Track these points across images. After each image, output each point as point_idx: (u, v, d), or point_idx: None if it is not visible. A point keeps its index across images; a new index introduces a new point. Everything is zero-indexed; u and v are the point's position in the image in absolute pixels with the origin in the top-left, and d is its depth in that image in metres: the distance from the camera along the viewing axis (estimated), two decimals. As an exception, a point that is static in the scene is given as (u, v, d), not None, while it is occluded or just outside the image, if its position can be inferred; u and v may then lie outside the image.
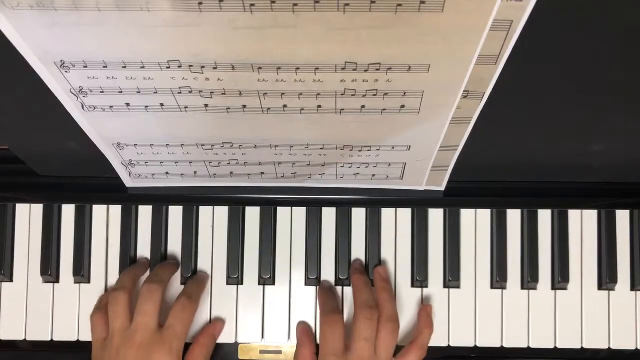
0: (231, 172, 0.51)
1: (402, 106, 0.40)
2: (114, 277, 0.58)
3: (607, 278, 0.57)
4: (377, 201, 0.55)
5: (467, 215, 0.58)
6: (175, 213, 0.58)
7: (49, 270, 0.57)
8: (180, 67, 0.37)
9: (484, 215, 0.58)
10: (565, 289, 0.57)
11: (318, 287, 0.57)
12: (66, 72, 0.38)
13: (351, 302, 0.56)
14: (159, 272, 0.54)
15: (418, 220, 0.58)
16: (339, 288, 0.57)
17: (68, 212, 0.58)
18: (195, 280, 0.56)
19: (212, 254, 0.58)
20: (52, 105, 0.40)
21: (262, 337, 0.57)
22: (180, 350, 0.51)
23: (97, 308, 0.54)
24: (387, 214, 0.58)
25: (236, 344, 0.57)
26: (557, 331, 0.57)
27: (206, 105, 0.41)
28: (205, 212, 0.58)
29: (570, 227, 0.58)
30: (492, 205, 0.57)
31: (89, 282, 0.58)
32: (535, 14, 0.32)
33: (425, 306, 0.56)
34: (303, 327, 0.56)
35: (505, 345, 0.57)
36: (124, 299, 0.51)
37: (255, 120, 0.42)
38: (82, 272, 0.57)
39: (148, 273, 0.57)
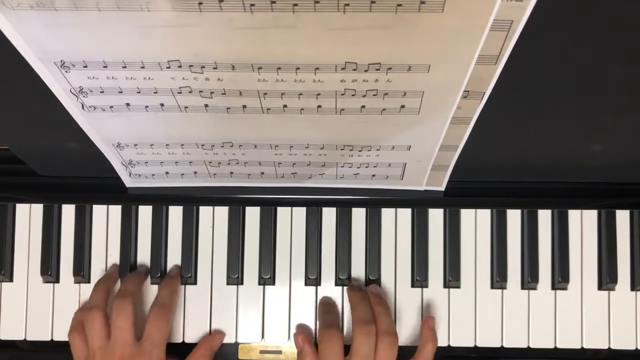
0: (231, 172, 0.51)
1: (402, 106, 0.40)
2: (114, 277, 0.58)
3: (607, 278, 0.57)
4: (377, 201, 0.55)
5: (467, 215, 0.58)
6: (175, 213, 0.58)
7: (49, 270, 0.57)
8: (180, 67, 0.37)
9: (484, 215, 0.58)
10: (565, 289, 0.57)
11: (318, 301, 0.57)
12: (66, 72, 0.38)
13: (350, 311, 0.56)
14: (126, 286, 0.54)
15: (418, 220, 0.58)
16: (339, 288, 0.57)
17: (68, 212, 0.58)
18: (165, 284, 0.56)
19: (212, 254, 0.58)
20: (52, 105, 0.40)
21: (262, 337, 0.57)
22: (162, 358, 0.51)
23: (73, 328, 0.54)
24: (387, 214, 0.58)
25: (236, 344, 0.57)
26: (557, 331, 0.57)
27: (206, 105, 0.41)
28: (205, 212, 0.58)
29: (570, 227, 0.58)
30: (492, 205, 0.57)
31: (89, 282, 0.58)
32: (535, 14, 0.32)
33: (427, 318, 0.54)
34: (304, 335, 0.54)
35: (505, 345, 0.57)
36: (98, 318, 0.52)
37: (255, 120, 0.42)
38: (82, 272, 0.57)
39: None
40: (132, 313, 0.52)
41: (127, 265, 0.58)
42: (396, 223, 0.58)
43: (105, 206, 0.58)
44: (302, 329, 0.57)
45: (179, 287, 0.57)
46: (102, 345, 0.51)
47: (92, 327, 0.52)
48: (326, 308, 0.56)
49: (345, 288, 0.57)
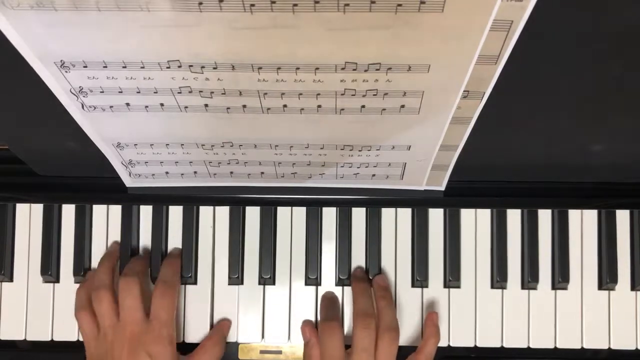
0: (231, 172, 0.51)
1: (402, 106, 0.40)
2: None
3: (607, 278, 0.57)
4: (377, 201, 0.55)
5: (467, 215, 0.58)
6: (175, 213, 0.58)
7: (49, 270, 0.57)
8: (180, 67, 0.37)
9: (484, 215, 0.58)
10: (565, 289, 0.57)
11: (321, 297, 0.57)
12: (66, 72, 0.38)
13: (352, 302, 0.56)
14: (132, 266, 0.54)
15: (418, 220, 0.58)
16: (339, 288, 0.57)
17: (68, 212, 0.58)
18: (166, 264, 0.56)
19: (212, 254, 0.58)
20: (52, 105, 0.40)
21: (262, 337, 0.57)
22: (171, 335, 0.52)
23: (80, 307, 0.54)
24: (387, 214, 0.58)
25: (236, 344, 0.57)
26: (557, 331, 0.57)
27: (206, 105, 0.41)
28: (205, 212, 0.58)
29: (570, 227, 0.58)
30: (492, 205, 0.57)
31: (89, 282, 0.58)
32: (535, 14, 0.32)
33: (430, 314, 0.54)
34: (311, 327, 0.55)
35: (505, 345, 0.57)
36: (107, 297, 0.52)
37: (255, 120, 0.42)
38: (82, 272, 0.57)
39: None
40: (140, 292, 0.52)
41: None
42: (396, 223, 0.58)
43: (105, 206, 0.58)
44: (309, 322, 0.57)
45: (180, 266, 0.57)
46: (112, 324, 0.52)
47: (101, 307, 0.52)
48: (328, 302, 0.56)
49: (345, 288, 0.57)
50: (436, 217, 0.58)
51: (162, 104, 0.41)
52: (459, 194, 0.54)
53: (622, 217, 0.58)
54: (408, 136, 0.45)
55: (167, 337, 0.51)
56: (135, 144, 0.47)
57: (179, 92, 0.40)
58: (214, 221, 0.58)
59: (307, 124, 0.43)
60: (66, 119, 0.42)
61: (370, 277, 0.57)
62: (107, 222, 0.58)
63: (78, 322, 0.54)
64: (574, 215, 0.58)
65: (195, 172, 0.51)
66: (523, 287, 0.57)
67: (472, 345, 0.57)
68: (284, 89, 0.39)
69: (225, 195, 0.54)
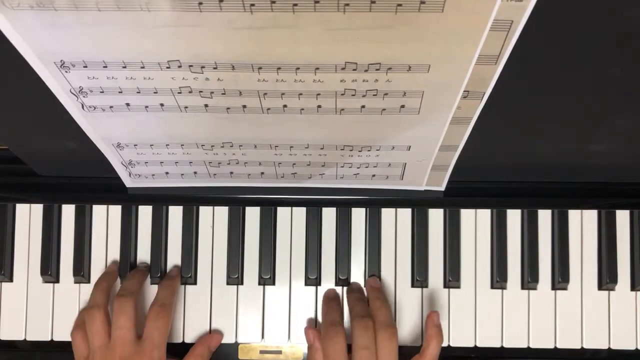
0: (231, 172, 0.51)
1: (402, 106, 0.40)
2: (114, 277, 0.58)
3: (607, 278, 0.57)
4: (377, 201, 0.55)
5: (467, 215, 0.58)
6: (175, 213, 0.58)
7: (49, 270, 0.57)
8: (180, 67, 0.37)
9: (484, 215, 0.58)
10: (565, 289, 0.57)
11: (323, 296, 0.57)
12: (66, 72, 0.38)
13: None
14: (127, 285, 0.54)
15: (418, 220, 0.58)
16: (339, 288, 0.57)
17: (68, 212, 0.58)
18: (164, 285, 0.55)
19: (212, 254, 0.58)
20: (52, 105, 0.40)
21: (262, 337, 0.57)
22: (162, 358, 0.51)
23: (76, 326, 0.54)
24: (387, 214, 0.58)
25: (236, 344, 0.57)
26: (557, 331, 0.57)
27: (206, 105, 0.41)
28: (205, 212, 0.58)
29: (570, 227, 0.58)
30: (492, 205, 0.57)
31: (89, 282, 0.58)
32: (535, 14, 0.32)
33: (431, 314, 0.51)
34: (315, 330, 0.54)
35: (505, 345, 0.56)
36: (99, 316, 0.52)
37: (255, 120, 0.42)
38: (82, 272, 0.57)
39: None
40: (134, 312, 0.52)
41: (127, 265, 0.57)
42: (396, 223, 0.58)
43: (105, 206, 0.58)
44: (311, 325, 0.57)
45: (178, 288, 0.57)
46: (102, 345, 0.51)
47: (93, 326, 0.52)
48: (330, 303, 0.56)
49: (345, 288, 0.57)
50: (436, 217, 0.58)
51: (162, 104, 0.41)
52: (459, 194, 0.54)
53: (622, 217, 0.58)
54: (408, 136, 0.45)
55: (157, 359, 0.51)
56: (135, 144, 0.47)
57: (179, 92, 0.40)
58: (214, 221, 0.58)
59: (307, 124, 0.43)
60: (66, 119, 0.42)
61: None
62: (107, 222, 0.58)
63: (72, 341, 0.53)
64: (574, 215, 0.58)
65: (195, 173, 0.51)
66: (523, 287, 0.57)
67: (472, 345, 0.57)
68: (284, 89, 0.39)
69: (225, 195, 0.54)
